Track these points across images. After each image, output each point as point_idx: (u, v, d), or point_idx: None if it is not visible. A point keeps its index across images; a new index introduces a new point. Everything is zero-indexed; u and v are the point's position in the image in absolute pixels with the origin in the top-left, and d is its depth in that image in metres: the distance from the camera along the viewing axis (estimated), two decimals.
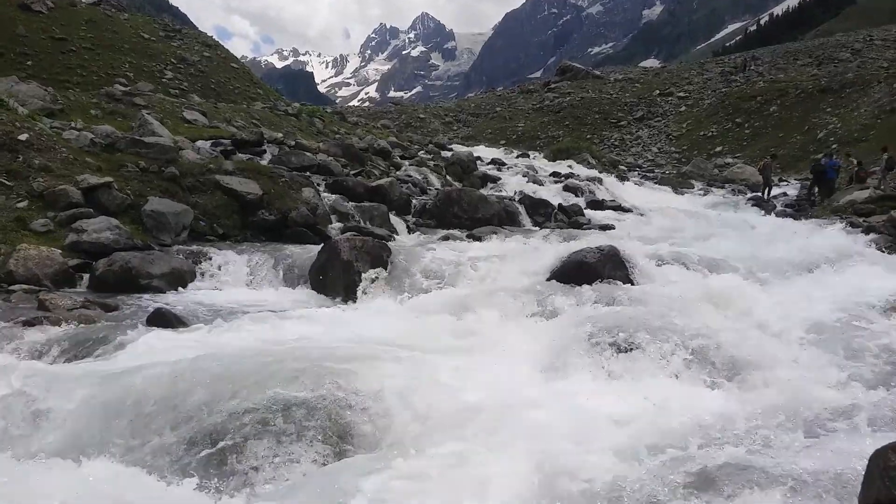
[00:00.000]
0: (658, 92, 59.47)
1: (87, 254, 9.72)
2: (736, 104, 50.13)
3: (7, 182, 10.85)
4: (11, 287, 8.55)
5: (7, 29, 31.64)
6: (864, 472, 2.93)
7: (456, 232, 14.69)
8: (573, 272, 8.89)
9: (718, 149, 45.18)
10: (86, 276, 9.30)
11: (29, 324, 6.77)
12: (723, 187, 31.86)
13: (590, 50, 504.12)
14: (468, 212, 16.36)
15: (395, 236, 13.89)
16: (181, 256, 10.02)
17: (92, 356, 5.73)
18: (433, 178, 21.41)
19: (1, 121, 12.06)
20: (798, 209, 22.57)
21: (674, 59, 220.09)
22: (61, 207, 10.72)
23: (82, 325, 6.81)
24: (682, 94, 57.96)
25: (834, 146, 33.71)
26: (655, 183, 31.08)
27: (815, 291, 8.20)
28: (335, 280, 9.40)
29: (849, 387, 4.69)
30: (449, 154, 26.33)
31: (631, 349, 5.77)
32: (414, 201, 17.38)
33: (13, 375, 5.04)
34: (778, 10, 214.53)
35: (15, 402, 4.60)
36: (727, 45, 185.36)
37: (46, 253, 9.22)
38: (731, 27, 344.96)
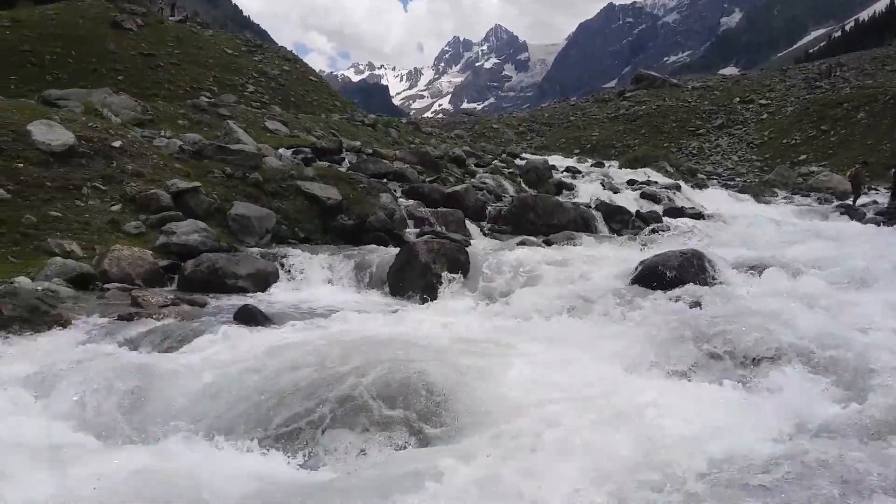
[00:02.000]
0: (738, 100, 57.93)
1: (177, 255, 10.10)
2: (821, 111, 48.36)
3: (102, 186, 11.37)
4: (106, 285, 8.95)
5: (100, 45, 33.30)
6: None
7: (531, 238, 14.60)
8: (655, 276, 8.70)
9: (803, 157, 43.67)
10: (175, 277, 9.65)
11: (124, 318, 7.08)
12: (808, 196, 30.73)
13: (666, 59, 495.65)
14: (544, 218, 16.24)
15: (471, 241, 13.91)
16: (265, 259, 10.28)
17: (184, 349, 5.91)
18: (508, 186, 21.39)
19: (96, 129, 12.66)
20: (889, 217, 21.55)
21: (753, 66, 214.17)
22: (152, 210, 11.17)
23: (173, 320, 7.07)
24: (763, 101, 56.31)
25: None
26: (737, 191, 30.19)
27: None
28: (413, 281, 9.48)
29: None
30: (522, 163, 26.25)
31: (717, 352, 5.61)
32: (489, 207, 17.39)
33: (112, 366, 5.27)
34: (864, 15, 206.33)
35: (112, 391, 4.79)
36: (810, 51, 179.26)
37: (138, 253, 9.61)
38: (814, 34, 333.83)
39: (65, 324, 6.69)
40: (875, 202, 26.45)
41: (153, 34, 36.86)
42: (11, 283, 7.90)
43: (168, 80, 32.61)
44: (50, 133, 11.58)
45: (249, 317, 7.00)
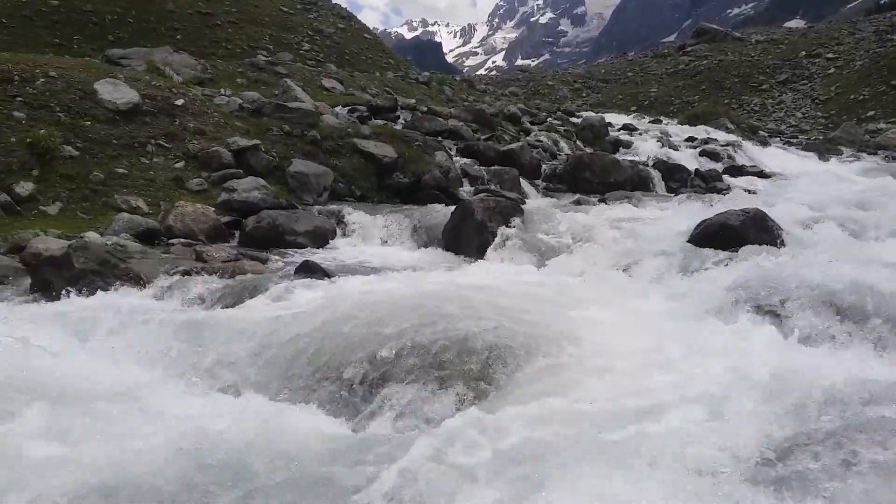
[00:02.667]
0: (804, 53, 55.74)
1: (238, 211, 10.35)
2: (892, 65, 46.20)
3: (166, 144, 11.66)
4: (171, 241, 9.25)
5: (158, 5, 33.73)
6: None
7: (588, 196, 14.48)
8: (716, 235, 8.55)
9: (871, 113, 41.97)
10: (236, 233, 9.90)
11: (188, 273, 7.32)
12: (875, 154, 29.62)
13: (728, 11, 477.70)
14: (600, 176, 16.08)
15: (527, 199, 13.87)
16: (323, 216, 10.45)
17: (247, 303, 6.09)
18: (563, 144, 21.16)
19: (159, 87, 12.93)
20: None
21: (821, 19, 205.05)
22: (214, 168, 11.43)
23: (237, 275, 7.27)
24: (830, 55, 54.06)
25: None
26: (800, 149, 29.28)
27: None
28: (469, 239, 9.53)
29: None
30: (578, 121, 25.88)
31: (779, 313, 5.53)
32: (544, 166, 17.26)
33: (179, 319, 5.48)
34: None
35: (177, 344, 4.99)
36: (882, 2, 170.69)
37: (202, 210, 9.88)
38: None
39: (134, 278, 6.95)
40: None
41: None
42: (82, 237, 8.22)
43: (225, 38, 32.93)
44: (115, 91, 11.89)
45: (310, 272, 7.16)
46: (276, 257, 8.69)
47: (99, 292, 6.22)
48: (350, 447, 3.54)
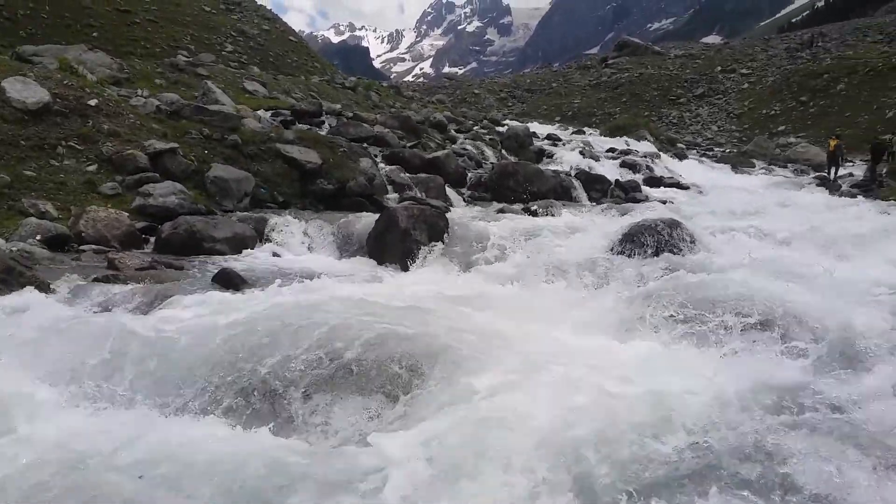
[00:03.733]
0: (720, 69, 57.95)
1: (154, 217, 10.01)
2: (801, 82, 48.53)
3: (78, 146, 11.19)
4: (81, 247, 8.86)
5: (74, 1, 32.48)
6: None
7: (511, 205, 14.62)
8: (633, 244, 8.79)
9: (781, 128, 43.92)
10: (152, 239, 9.57)
11: (100, 281, 7.03)
12: (785, 167, 31.02)
13: (649, 26, 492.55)
14: (524, 185, 16.27)
15: (452, 207, 13.91)
16: (243, 222, 10.22)
17: (160, 313, 5.88)
18: (489, 152, 21.34)
19: (71, 87, 12.41)
20: (865, 190, 21.84)
21: (737, 35, 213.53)
22: (129, 171, 11.02)
23: (151, 283, 7.03)
24: (745, 70, 56.37)
25: None
26: (715, 161, 30.42)
27: (884, 270, 7.96)
28: (392, 248, 9.47)
29: None
30: (503, 129, 26.16)
31: (693, 319, 5.70)
32: (469, 174, 17.37)
33: (86, 329, 5.24)
34: None
35: (86, 355, 4.77)
36: (793, 21, 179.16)
37: (115, 215, 9.51)
38: (798, 2, 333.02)
39: (40, 285, 6.63)
40: (851, 174, 26.75)
41: None
42: None
43: (144, 37, 31.98)
44: (25, 90, 11.34)
45: (227, 280, 6.99)
46: (194, 265, 8.45)
47: (1, 299, 5.91)
48: (262, 458, 3.45)
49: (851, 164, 30.00)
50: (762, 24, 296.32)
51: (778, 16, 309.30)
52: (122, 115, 12.46)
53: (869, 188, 22.09)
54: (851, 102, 42.67)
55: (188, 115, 13.50)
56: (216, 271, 7.42)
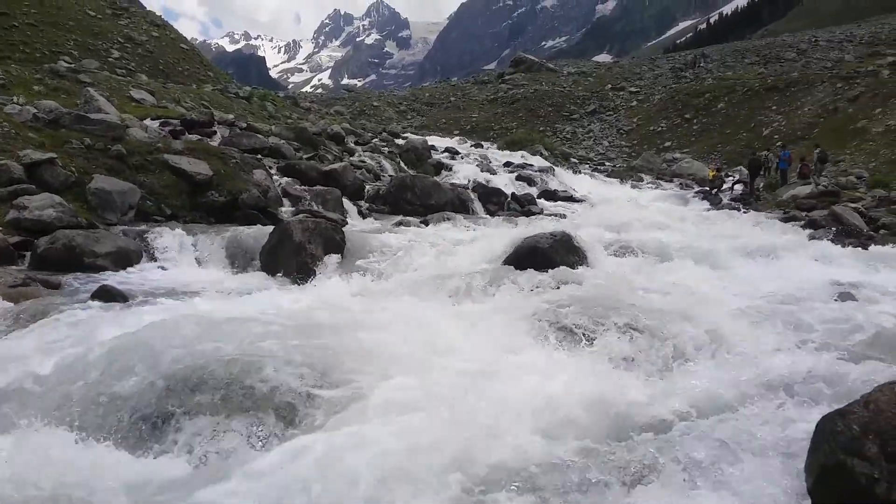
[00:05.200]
0: (610, 86, 60.10)
1: (29, 231, 9.41)
2: (685, 100, 50.95)
3: None
4: None
5: None
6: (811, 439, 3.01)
7: (409, 218, 14.64)
8: (526, 257, 8.93)
9: (668, 144, 45.91)
10: (28, 255, 9.00)
11: None
12: (671, 181, 32.44)
13: (544, 43, 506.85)
14: (422, 198, 16.34)
15: (348, 220, 13.78)
16: (128, 236, 9.76)
17: (32, 333, 5.53)
18: (387, 165, 21.32)
19: None
20: (744, 203, 23.15)
21: (626, 54, 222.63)
22: (2, 183, 10.35)
23: (23, 301, 6.60)
24: (633, 89, 58.66)
25: (778, 143, 34.56)
26: (606, 176, 31.51)
27: (758, 279, 8.43)
28: (286, 261, 9.28)
29: (799, 362, 4.83)
30: (402, 142, 26.22)
31: (581, 332, 5.83)
32: (367, 187, 17.28)
33: None
34: (727, 9, 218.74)
35: None
36: (678, 42, 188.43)
37: None
38: (682, 24, 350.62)
39: None
40: (731, 188, 28.26)
41: None
42: None
43: (23, 41, 30.20)
44: None
45: (108, 297, 6.66)
46: (73, 282, 7.99)
47: None
48: (142, 483, 3.28)
49: (732, 177, 31.63)
50: (649, 44, 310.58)
51: (664, 37, 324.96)
52: None
53: (747, 202, 23.42)
54: (731, 120, 45.10)
55: (68, 124, 12.82)
56: (96, 288, 7.04)
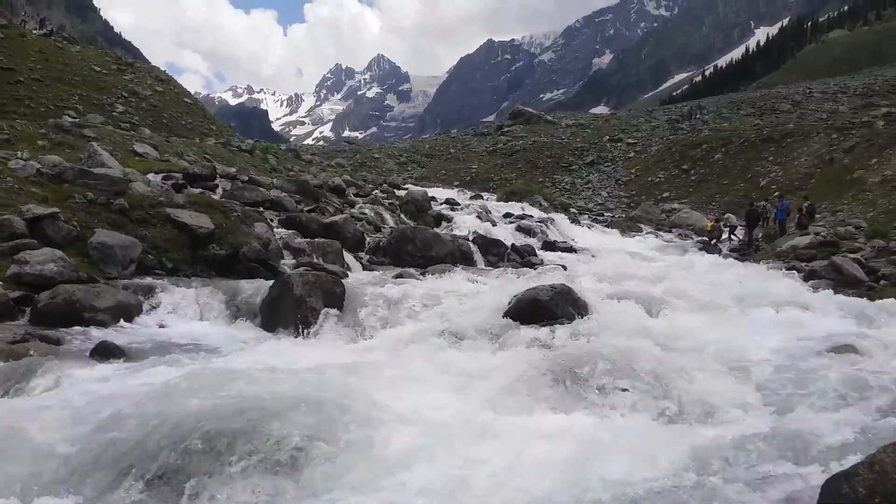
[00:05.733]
0: (608, 138, 60.86)
1: (30, 286, 9.40)
2: (682, 151, 51.55)
3: None
4: None
5: None
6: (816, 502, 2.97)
7: (410, 270, 14.64)
8: (527, 310, 8.92)
9: (666, 194, 46.28)
10: (28, 310, 8.98)
11: None
12: (670, 231, 32.59)
13: (542, 95, 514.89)
14: (422, 250, 16.37)
15: (349, 273, 13.78)
16: (128, 290, 9.76)
17: (31, 391, 5.50)
18: (387, 217, 21.43)
19: None
20: (743, 253, 23.21)
21: (623, 106, 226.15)
22: (4, 238, 10.38)
23: (22, 357, 6.57)
24: (630, 140, 59.39)
25: (776, 193, 34.85)
26: (605, 226, 31.63)
27: (760, 331, 8.39)
28: (286, 315, 9.26)
29: (800, 420, 4.79)
30: (403, 194, 26.42)
31: (582, 386, 5.80)
32: (368, 239, 17.34)
33: None
34: (722, 62, 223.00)
35: None
36: (674, 94, 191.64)
37: None
38: (678, 77, 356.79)
39: None
40: (731, 239, 28.37)
41: (14, 48, 34.67)
42: None
43: (29, 96, 30.70)
44: None
45: (107, 353, 6.63)
46: (73, 337, 7.96)
47: None
48: None
49: (729, 238, 31.76)
50: (645, 96, 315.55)
51: (660, 89, 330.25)
52: None
53: (745, 252, 23.48)
54: (728, 171, 45.55)
55: (71, 179, 12.93)
56: (95, 344, 7.02)
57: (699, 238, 28.87)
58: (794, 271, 15.92)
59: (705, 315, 9.47)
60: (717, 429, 4.80)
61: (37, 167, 13.14)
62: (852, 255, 17.00)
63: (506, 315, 9.14)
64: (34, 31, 43.02)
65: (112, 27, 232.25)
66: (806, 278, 14.82)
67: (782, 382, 5.85)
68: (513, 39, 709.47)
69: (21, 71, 32.27)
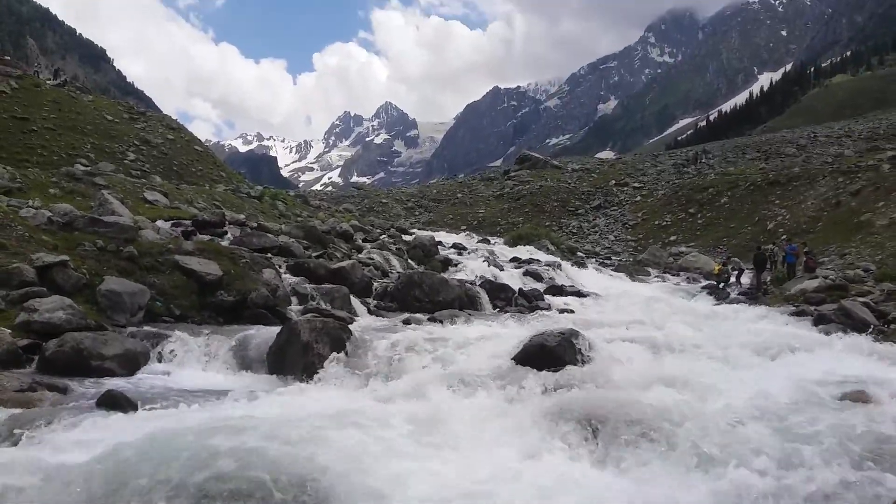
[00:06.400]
0: (614, 182, 61.11)
1: (38, 334, 9.42)
2: (689, 195, 51.65)
3: None
4: None
5: None
6: None
7: (417, 315, 14.63)
8: (535, 356, 8.88)
9: (673, 238, 46.24)
10: (36, 358, 8.99)
11: None
12: (678, 275, 32.46)
13: (548, 141, 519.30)
14: (430, 295, 16.37)
15: (356, 318, 13.77)
16: (135, 338, 9.78)
17: (35, 441, 5.47)
18: (395, 262, 21.47)
19: None
20: (751, 297, 23.09)
21: (628, 151, 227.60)
22: (14, 286, 10.45)
23: (28, 407, 6.56)
24: (637, 184, 59.61)
25: (783, 237, 34.79)
26: (613, 270, 31.56)
27: (769, 377, 8.31)
28: (294, 362, 9.24)
29: (816, 474, 4.70)
30: (410, 238, 26.51)
31: (591, 435, 5.74)
32: (375, 284, 17.35)
33: None
34: (726, 107, 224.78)
35: None
36: (679, 138, 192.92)
37: None
38: (682, 122, 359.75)
39: None
40: (738, 283, 28.23)
41: (28, 97, 35.38)
42: None
43: (42, 145, 31.20)
44: None
45: (113, 403, 6.61)
46: (79, 386, 7.95)
47: None
48: None
49: (737, 282, 31.64)
50: (651, 141, 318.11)
51: (665, 134, 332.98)
52: (10, 226, 11.96)
53: (754, 296, 23.35)
54: (735, 214, 45.56)
55: (82, 227, 13.07)
56: (102, 392, 7.00)
57: (707, 282, 28.74)
58: (804, 315, 15.81)
59: (714, 361, 9.38)
60: (722, 481, 4.71)
61: (48, 215, 13.29)
62: (861, 299, 16.89)
63: (514, 360, 9.10)
64: (48, 82, 43.88)
65: (125, 77, 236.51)
66: (815, 322, 14.71)
67: (791, 431, 5.77)
68: (518, 86, 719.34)
69: (35, 120, 32.87)
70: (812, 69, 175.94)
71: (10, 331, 9.22)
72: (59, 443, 5.21)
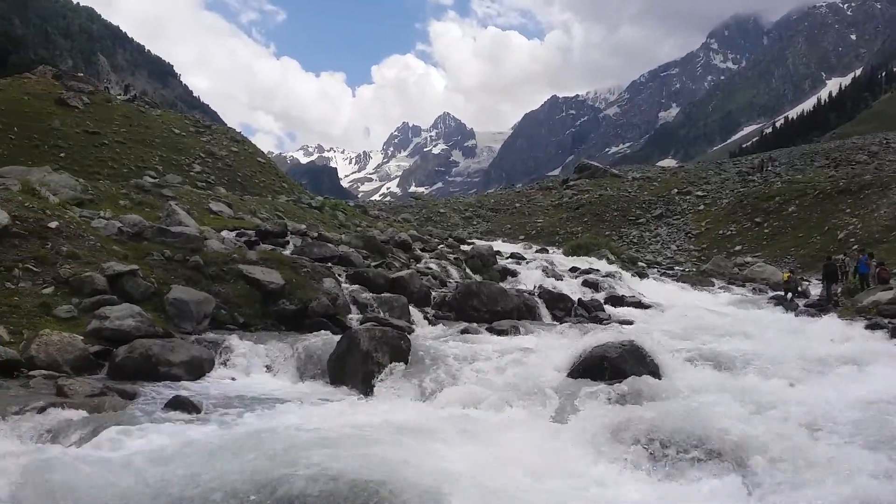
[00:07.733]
0: (676, 191, 59.95)
1: (109, 341, 9.75)
2: (754, 204, 50.32)
3: (34, 268, 11.03)
4: (31, 372, 8.55)
5: (44, 122, 33.03)
6: None
7: (475, 325, 14.61)
8: (595, 367, 8.77)
9: (738, 247, 45.10)
10: (106, 364, 9.30)
11: (44, 410, 6.73)
12: (743, 286, 31.62)
13: (607, 149, 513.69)
14: (487, 305, 16.33)
15: (415, 328, 13.83)
16: (201, 345, 10.02)
17: (107, 444, 5.64)
18: (453, 271, 21.49)
19: (32, 209, 12.38)
20: (821, 309, 22.31)
21: (690, 159, 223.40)
22: (86, 294, 10.84)
23: (101, 411, 6.78)
24: (700, 192, 58.39)
25: (855, 247, 33.59)
26: (675, 280, 30.93)
27: (842, 391, 8.01)
28: (353, 370, 9.33)
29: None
30: (468, 248, 26.51)
31: (655, 451, 5.62)
32: (433, 293, 17.40)
33: (26, 462, 4.98)
34: (792, 113, 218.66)
35: (25, 492, 4.52)
36: (743, 146, 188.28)
37: (68, 339, 9.25)
38: (747, 129, 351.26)
39: None
40: (806, 295, 27.35)
41: (100, 112, 36.78)
42: None
43: (112, 158, 32.36)
44: None
45: (180, 408, 6.79)
46: (147, 391, 8.18)
47: None
48: None
49: (808, 283, 30.66)
50: (714, 148, 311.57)
51: (729, 141, 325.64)
52: (83, 237, 12.40)
53: (824, 307, 22.56)
54: (803, 224, 44.20)
55: (150, 237, 13.48)
56: (170, 397, 7.19)
57: (774, 293, 27.90)
58: (878, 328, 15.20)
59: (783, 374, 9.09)
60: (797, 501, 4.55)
61: (118, 226, 13.74)
62: None
63: (573, 372, 9.00)
64: (119, 97, 45.52)
65: (191, 91, 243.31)
66: (891, 335, 14.13)
67: (868, 449, 5.53)
68: (577, 95, 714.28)
69: (106, 134, 34.12)
70: (883, 73, 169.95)
71: (82, 337, 9.55)
72: (130, 449, 5.35)
